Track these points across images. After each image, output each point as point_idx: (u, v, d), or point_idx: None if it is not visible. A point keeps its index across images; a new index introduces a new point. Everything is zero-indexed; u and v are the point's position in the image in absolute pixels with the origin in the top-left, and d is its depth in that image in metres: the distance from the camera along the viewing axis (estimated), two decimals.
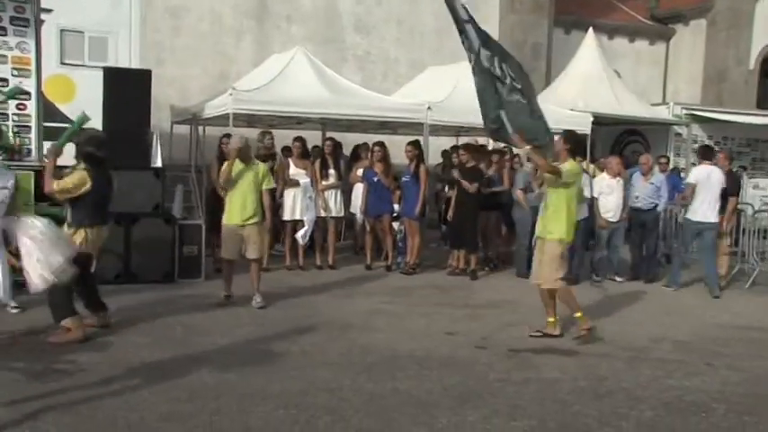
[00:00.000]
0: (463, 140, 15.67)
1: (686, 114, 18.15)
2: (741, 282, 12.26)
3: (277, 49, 16.51)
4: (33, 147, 10.27)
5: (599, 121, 14.65)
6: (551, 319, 8.46)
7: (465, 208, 11.99)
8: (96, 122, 10.87)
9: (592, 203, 11.98)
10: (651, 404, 6.19)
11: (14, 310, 8.38)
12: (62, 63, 11.75)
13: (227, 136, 12.53)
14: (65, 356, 6.90)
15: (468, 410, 5.83)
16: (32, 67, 10.27)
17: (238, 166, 9.51)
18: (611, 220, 12.08)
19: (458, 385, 6.49)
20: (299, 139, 12.64)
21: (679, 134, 17.91)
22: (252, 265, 9.59)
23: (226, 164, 9.54)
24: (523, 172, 12.47)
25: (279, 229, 12.71)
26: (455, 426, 5.51)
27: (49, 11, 10.39)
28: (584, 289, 11.48)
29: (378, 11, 19.84)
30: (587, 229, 11.97)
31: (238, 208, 9.45)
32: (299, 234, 11.94)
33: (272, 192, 10.40)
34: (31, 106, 10.31)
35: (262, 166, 9.70)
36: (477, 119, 9.79)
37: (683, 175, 15.40)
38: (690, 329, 8.98)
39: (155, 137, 11.83)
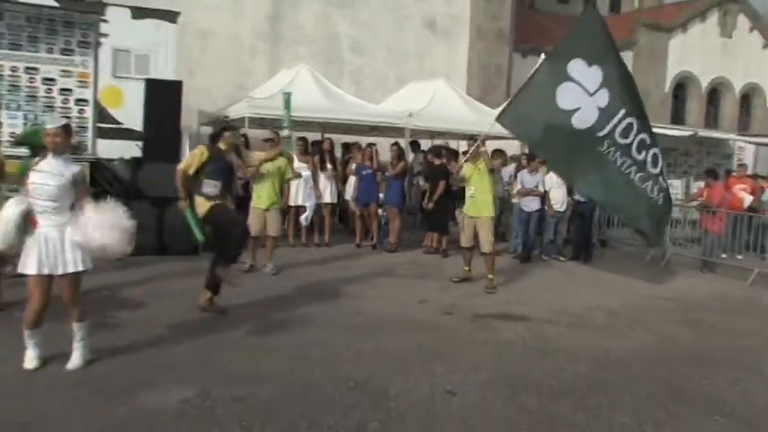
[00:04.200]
0: (437, 143, 15.64)
1: None
2: (658, 262, 12.35)
3: (286, 65, 16.46)
4: (89, 144, 10.27)
5: None
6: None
7: (438, 198, 11.98)
8: (138, 123, 10.91)
9: (544, 197, 12.04)
10: (585, 360, 6.23)
11: None
12: (114, 76, 11.75)
13: (243, 135, 12.54)
14: (110, 313, 6.90)
15: (437, 365, 5.85)
16: (91, 79, 10.28)
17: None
18: (558, 210, 12.14)
19: (429, 344, 6.50)
20: (301, 139, 12.62)
21: None
22: (269, 240, 9.64)
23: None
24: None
25: (284, 213, 12.72)
26: (426, 376, 5.53)
27: (105, 35, 10.47)
28: (535, 266, 11.54)
29: (370, 36, 19.81)
30: (539, 218, 12.04)
31: (266, 195, 9.57)
32: (303, 217, 11.93)
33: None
34: (89, 111, 10.29)
35: (284, 161, 9.70)
36: (449, 125, 9.94)
37: None
38: (618, 300, 9.02)
39: (185, 135, 11.82)
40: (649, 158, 8.94)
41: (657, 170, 9.00)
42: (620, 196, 9.11)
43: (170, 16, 12.06)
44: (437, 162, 12.10)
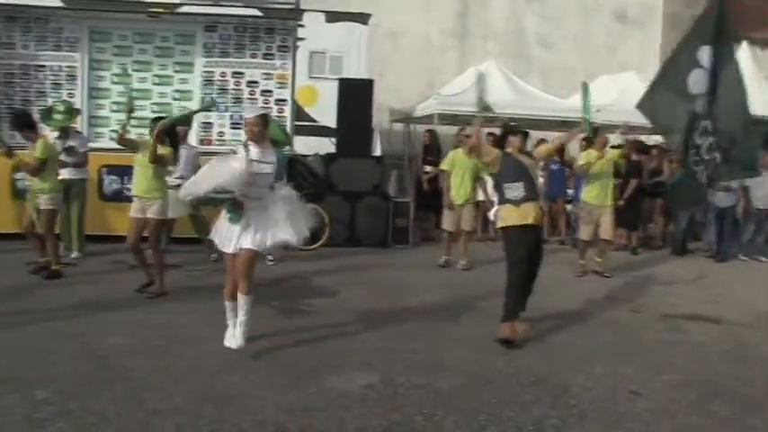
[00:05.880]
0: (626, 137, 14.96)
1: None
2: None
3: (474, 61, 16.40)
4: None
5: (754, 121, 13.58)
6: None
7: (630, 195, 11.48)
8: (332, 120, 11.33)
9: (744, 192, 11.20)
10: None
11: (270, 263, 8.80)
12: (310, 77, 12.27)
13: (429, 131, 12.72)
14: (303, 300, 7.23)
15: (622, 363, 5.60)
16: (289, 80, 10.86)
17: (462, 156, 9.56)
18: (760, 207, 11.24)
19: (614, 342, 6.26)
20: (490, 134, 12.53)
21: None
22: (464, 235, 9.66)
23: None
24: None
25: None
26: (610, 375, 5.31)
27: (302, 39, 10.93)
28: (732, 266, 10.79)
29: (558, 30, 19.29)
30: (734, 215, 11.23)
31: (462, 191, 9.57)
32: (491, 212, 11.82)
33: None
34: (287, 110, 10.86)
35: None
36: (640, 119, 9.49)
37: None
38: None
39: (376, 132, 12.11)
40: (705, 144, 8.28)
41: (708, 157, 8.28)
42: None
43: (362, 18, 12.39)
44: (634, 158, 11.62)
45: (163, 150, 7.10)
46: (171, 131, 7.30)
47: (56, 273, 7.80)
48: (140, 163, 7.18)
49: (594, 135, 9.33)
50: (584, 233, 9.49)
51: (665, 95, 8.44)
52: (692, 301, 8.14)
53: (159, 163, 7.11)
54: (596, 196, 9.30)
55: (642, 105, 8.62)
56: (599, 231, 9.38)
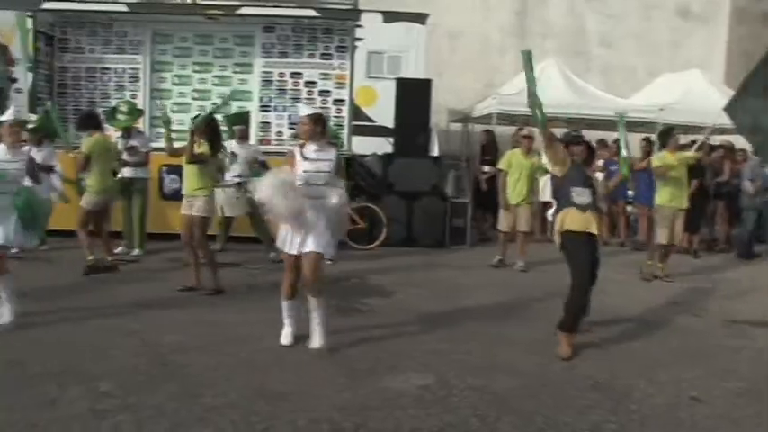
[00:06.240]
0: (690, 138, 14.59)
1: None
2: None
3: (534, 61, 16.20)
4: (345, 140, 10.86)
5: None
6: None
7: (692, 197, 11.18)
8: (390, 121, 11.32)
9: None
10: None
11: (328, 262, 8.82)
12: (368, 77, 12.30)
13: (486, 132, 12.59)
14: (360, 299, 7.24)
15: (684, 369, 5.44)
16: (347, 81, 10.90)
17: (520, 156, 9.51)
18: None
19: (677, 347, 6.08)
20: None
21: None
22: (521, 236, 9.55)
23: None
24: (750, 164, 11.44)
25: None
26: (672, 381, 5.16)
27: (360, 39, 10.96)
28: None
29: (619, 28, 18.93)
30: None
31: (517, 190, 9.48)
32: (549, 213, 11.66)
33: None
34: (345, 110, 10.91)
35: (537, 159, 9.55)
36: (705, 119, 9.31)
37: None
38: None
39: (434, 132, 12.08)
40: None
41: None
42: None
43: (420, 18, 12.36)
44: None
45: (201, 149, 7.18)
46: (212, 130, 7.35)
47: (98, 267, 8.07)
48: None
49: (668, 137, 9.18)
50: (661, 237, 9.16)
51: (749, 98, 8.18)
52: (757, 306, 7.87)
53: (197, 162, 7.19)
54: (670, 199, 9.07)
55: (729, 108, 8.35)
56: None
